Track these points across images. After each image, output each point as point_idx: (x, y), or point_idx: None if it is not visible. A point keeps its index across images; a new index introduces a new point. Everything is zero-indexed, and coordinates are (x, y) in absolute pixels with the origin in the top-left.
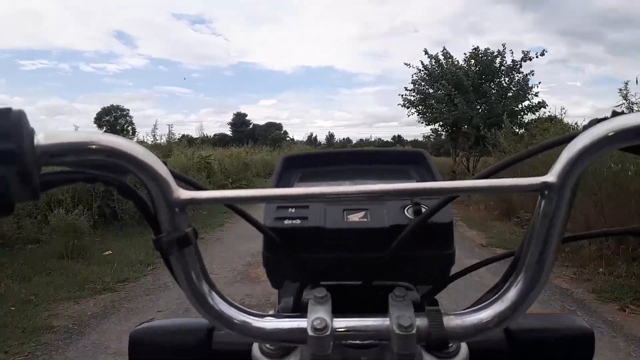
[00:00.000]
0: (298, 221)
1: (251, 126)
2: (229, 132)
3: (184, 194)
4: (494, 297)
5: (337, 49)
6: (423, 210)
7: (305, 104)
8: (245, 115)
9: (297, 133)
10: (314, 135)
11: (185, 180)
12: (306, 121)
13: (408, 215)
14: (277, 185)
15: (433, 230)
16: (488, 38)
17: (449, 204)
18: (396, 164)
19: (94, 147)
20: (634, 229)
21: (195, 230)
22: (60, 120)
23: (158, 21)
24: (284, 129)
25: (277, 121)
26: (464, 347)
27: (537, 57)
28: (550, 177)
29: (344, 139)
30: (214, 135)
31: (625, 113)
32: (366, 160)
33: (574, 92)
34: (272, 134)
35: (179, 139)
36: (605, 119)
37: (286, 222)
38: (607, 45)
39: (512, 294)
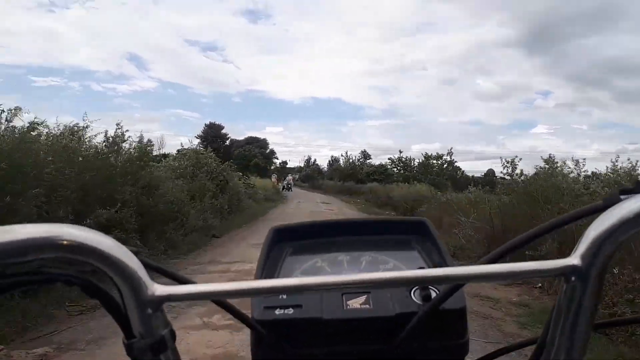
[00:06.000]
0: (291, 311)
1: (228, 142)
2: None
3: (160, 290)
4: None
5: (345, 82)
6: (432, 294)
7: (312, 133)
8: (221, 127)
9: (293, 157)
10: (312, 160)
11: (162, 272)
12: (313, 150)
13: (415, 300)
14: (267, 260)
15: (444, 317)
16: (496, 79)
17: (461, 288)
18: (397, 234)
19: (53, 243)
20: None
21: (173, 332)
22: None
23: (170, 46)
24: (270, 148)
25: (280, 142)
26: None
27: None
28: (575, 259)
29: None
30: (177, 151)
31: None
32: (364, 230)
33: (579, 135)
34: (253, 156)
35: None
36: (628, 189)
37: (277, 312)
38: (613, 92)
39: None
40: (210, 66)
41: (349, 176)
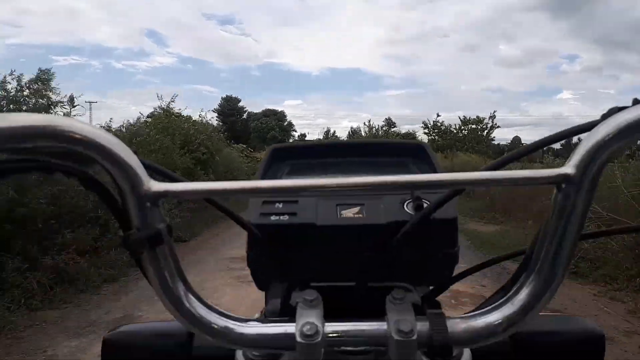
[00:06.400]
0: (286, 217)
1: (245, 114)
2: (215, 122)
3: (157, 186)
4: (503, 299)
5: (364, 52)
6: (424, 205)
7: (331, 105)
8: (238, 100)
9: (312, 130)
10: (332, 132)
11: (158, 171)
12: (332, 122)
13: (408, 211)
14: (264, 177)
15: (435, 227)
16: (520, 44)
17: (453, 198)
18: (394, 156)
19: (52, 132)
20: None
21: (170, 227)
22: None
23: (188, 21)
24: (287, 120)
25: (299, 114)
26: (466, 351)
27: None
28: (569, 168)
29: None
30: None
31: None
32: (362, 152)
33: (606, 100)
34: (270, 129)
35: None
36: (626, 107)
37: (273, 218)
38: None
39: (522, 296)
40: (229, 40)
41: None
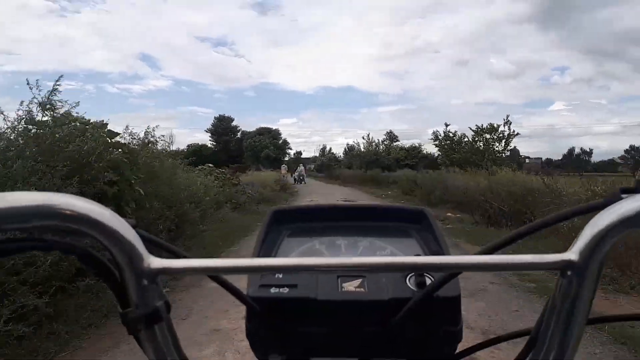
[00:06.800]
0: (286, 290)
1: (239, 134)
2: (208, 142)
3: (156, 262)
4: None
5: (357, 69)
6: (427, 281)
7: (326, 122)
8: (231, 119)
9: (308, 147)
10: (327, 148)
11: (159, 245)
12: (327, 139)
13: (410, 286)
14: (265, 240)
15: (438, 304)
16: (510, 57)
17: (456, 277)
18: (395, 221)
19: (47, 210)
20: None
21: (168, 304)
22: None
23: (181, 44)
24: (282, 138)
25: (295, 132)
26: None
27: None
28: (572, 254)
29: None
30: (188, 146)
31: None
32: (363, 216)
33: (598, 110)
34: (264, 147)
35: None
36: (629, 189)
37: (273, 290)
38: (632, 63)
39: None
40: (222, 61)
41: (372, 163)
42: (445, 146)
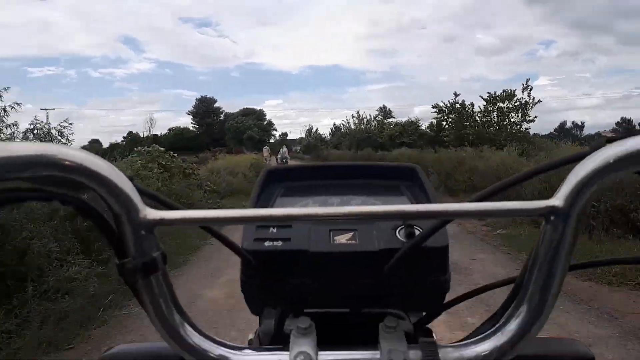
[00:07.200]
0: (280, 243)
1: (222, 116)
2: (190, 125)
3: (152, 213)
4: (494, 328)
5: (343, 48)
6: (416, 232)
7: (313, 102)
8: (214, 100)
9: (294, 129)
10: (314, 129)
11: (154, 198)
12: (314, 119)
13: (400, 238)
14: (258, 199)
15: (427, 254)
16: (496, 32)
17: (444, 226)
18: (386, 179)
19: (49, 161)
20: None
21: (164, 255)
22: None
23: (164, 25)
24: (267, 119)
25: (281, 114)
26: None
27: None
28: (556, 200)
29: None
30: (169, 130)
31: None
32: (354, 174)
33: (583, 84)
34: (247, 128)
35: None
36: (615, 138)
37: (266, 243)
38: (617, 36)
39: (513, 326)
40: (207, 42)
41: (364, 141)
42: (454, 120)
